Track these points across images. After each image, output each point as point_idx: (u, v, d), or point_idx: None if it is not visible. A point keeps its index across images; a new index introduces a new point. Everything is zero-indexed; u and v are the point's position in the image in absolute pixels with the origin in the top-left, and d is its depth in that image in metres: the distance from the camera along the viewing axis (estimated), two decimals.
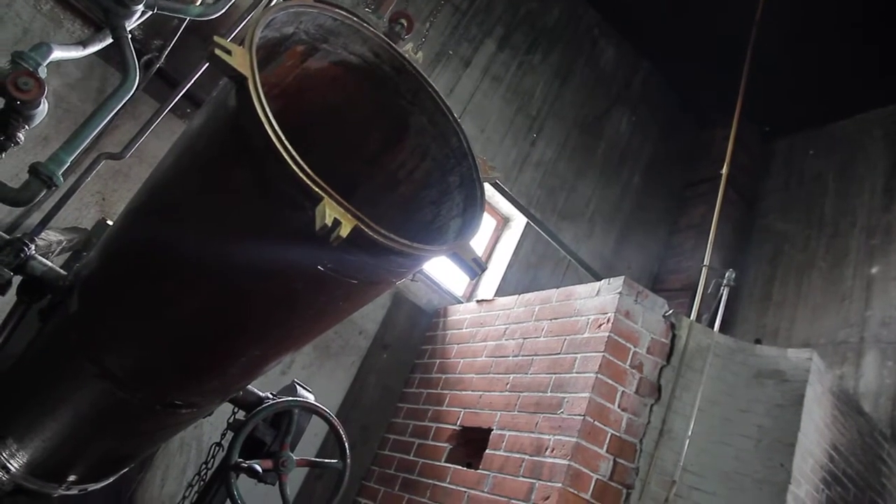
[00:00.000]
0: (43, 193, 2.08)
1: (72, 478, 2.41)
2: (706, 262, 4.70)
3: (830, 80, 6.86)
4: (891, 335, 5.45)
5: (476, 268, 1.34)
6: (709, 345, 3.80)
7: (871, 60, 6.44)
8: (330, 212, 1.08)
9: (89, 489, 2.59)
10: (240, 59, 1.14)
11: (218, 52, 1.12)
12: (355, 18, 1.56)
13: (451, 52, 6.18)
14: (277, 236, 1.23)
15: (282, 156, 1.09)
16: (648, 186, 7.76)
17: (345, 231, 1.08)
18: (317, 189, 1.09)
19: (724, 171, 5.27)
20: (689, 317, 4.01)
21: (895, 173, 6.48)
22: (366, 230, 1.13)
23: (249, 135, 1.13)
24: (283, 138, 1.10)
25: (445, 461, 4.29)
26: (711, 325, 4.19)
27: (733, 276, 4.41)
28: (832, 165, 7.16)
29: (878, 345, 5.48)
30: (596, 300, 3.95)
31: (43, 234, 2.54)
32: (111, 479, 2.69)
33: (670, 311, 3.86)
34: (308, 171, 1.10)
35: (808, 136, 7.64)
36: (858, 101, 7.03)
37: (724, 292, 4.38)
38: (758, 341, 4.29)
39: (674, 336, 3.83)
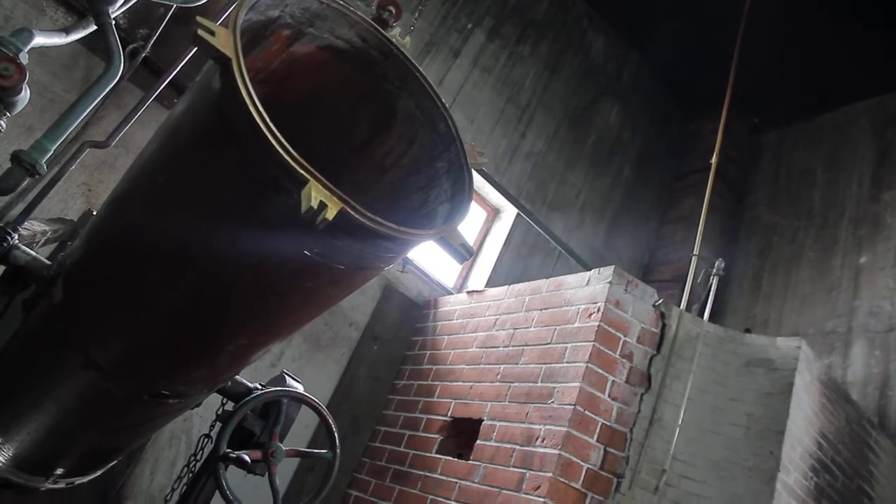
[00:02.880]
0: (26, 182, 2.05)
1: (59, 471, 2.39)
2: (696, 251, 4.71)
3: (818, 72, 6.89)
4: (878, 325, 5.49)
5: (464, 252, 1.33)
6: (698, 334, 3.81)
7: (857, 52, 6.47)
8: (315, 194, 1.06)
9: (76, 483, 2.56)
10: (223, 41, 1.12)
11: (201, 32, 1.10)
12: (342, 2, 1.54)
13: (440, 42, 6.16)
14: (263, 221, 1.21)
15: (266, 138, 1.07)
16: (638, 178, 7.77)
17: (331, 214, 1.07)
18: (302, 171, 1.07)
19: (714, 160, 5.27)
20: (679, 306, 4.02)
21: (882, 164, 6.52)
22: (352, 213, 1.12)
23: (233, 117, 1.11)
24: (268, 120, 1.08)
25: (436, 452, 4.28)
26: (701, 314, 4.20)
27: (723, 265, 4.42)
28: (820, 157, 7.20)
29: (866, 334, 5.52)
30: (586, 290, 3.95)
31: (27, 224, 2.50)
32: (99, 473, 2.67)
33: (660, 301, 3.87)
34: (293, 153, 1.08)
35: (797, 128, 7.67)
36: (846, 92, 7.06)
37: (714, 282, 4.39)
38: (747, 331, 4.31)
39: (664, 325, 3.84)
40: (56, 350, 1.81)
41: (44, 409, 2.05)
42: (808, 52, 6.75)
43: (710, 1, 6.58)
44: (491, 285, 5.82)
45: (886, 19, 6.10)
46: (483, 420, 4.02)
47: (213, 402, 2.47)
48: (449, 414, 4.40)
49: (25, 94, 2.00)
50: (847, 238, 6.32)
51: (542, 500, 3.26)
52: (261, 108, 1.08)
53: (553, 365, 3.78)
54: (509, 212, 6.61)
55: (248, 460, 2.23)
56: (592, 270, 4.03)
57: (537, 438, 3.53)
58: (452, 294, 5.81)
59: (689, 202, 7.48)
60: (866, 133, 6.88)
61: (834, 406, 3.87)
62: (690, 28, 6.95)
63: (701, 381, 3.69)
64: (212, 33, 1.11)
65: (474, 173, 1.60)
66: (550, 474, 3.30)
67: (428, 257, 5.92)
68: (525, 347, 4.11)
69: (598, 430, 3.48)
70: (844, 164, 6.89)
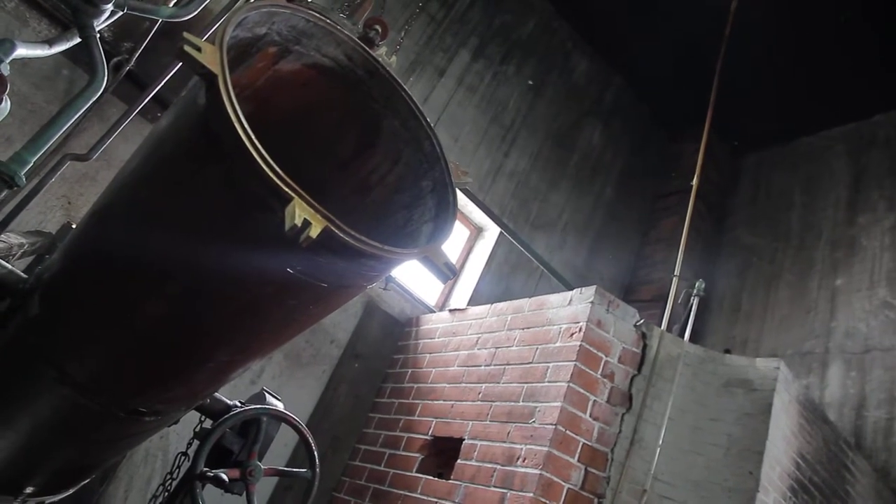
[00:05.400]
0: (3, 194, 2.02)
1: (29, 490, 2.33)
2: (676, 272, 4.76)
3: (796, 97, 7.04)
4: (854, 346, 5.56)
5: (447, 272, 1.33)
6: (679, 354, 3.83)
7: (835, 79, 6.63)
8: (300, 212, 1.06)
9: (47, 502, 2.50)
10: (210, 57, 1.12)
11: (187, 48, 1.10)
12: (329, 21, 1.55)
13: (425, 61, 6.20)
14: (246, 238, 1.20)
15: (251, 154, 1.07)
16: (620, 198, 7.84)
17: (314, 232, 1.06)
18: (286, 189, 1.07)
19: (694, 182, 5.35)
20: (660, 327, 4.05)
21: (858, 188, 6.65)
22: (336, 231, 1.11)
23: (218, 133, 1.11)
24: (253, 136, 1.08)
25: (417, 471, 4.25)
26: (682, 335, 4.24)
27: (703, 286, 4.47)
28: (798, 180, 7.33)
29: (843, 355, 5.59)
30: (568, 309, 3.96)
31: (3, 237, 2.46)
32: (71, 491, 2.61)
33: (641, 321, 3.89)
34: (278, 170, 1.08)
35: (775, 151, 7.81)
36: (823, 117, 7.21)
37: (695, 302, 4.43)
38: (727, 351, 4.34)
39: (645, 345, 3.85)
40: (30, 365, 1.77)
41: (16, 425, 2.00)
42: (787, 78, 6.91)
43: (692, 26, 6.70)
44: (473, 303, 5.82)
45: (863, 48, 6.26)
46: (464, 439, 4.00)
47: (190, 420, 2.43)
48: (430, 433, 4.37)
49: (6, 106, 1.98)
50: (824, 260, 6.42)
51: None
52: (246, 126, 1.08)
53: (535, 384, 3.78)
54: (492, 230, 6.63)
55: (226, 479, 2.20)
56: (574, 290, 4.05)
57: (518, 458, 3.52)
58: (435, 312, 5.79)
59: (670, 223, 7.56)
60: (842, 158, 7.02)
61: (812, 426, 3.91)
62: (672, 52, 7.09)
63: (681, 402, 3.71)
64: (198, 49, 1.11)
65: (458, 192, 1.61)
66: (531, 494, 3.28)
67: (410, 275, 5.91)
68: (507, 366, 4.11)
69: (579, 450, 3.47)
70: (821, 187, 7.02)
